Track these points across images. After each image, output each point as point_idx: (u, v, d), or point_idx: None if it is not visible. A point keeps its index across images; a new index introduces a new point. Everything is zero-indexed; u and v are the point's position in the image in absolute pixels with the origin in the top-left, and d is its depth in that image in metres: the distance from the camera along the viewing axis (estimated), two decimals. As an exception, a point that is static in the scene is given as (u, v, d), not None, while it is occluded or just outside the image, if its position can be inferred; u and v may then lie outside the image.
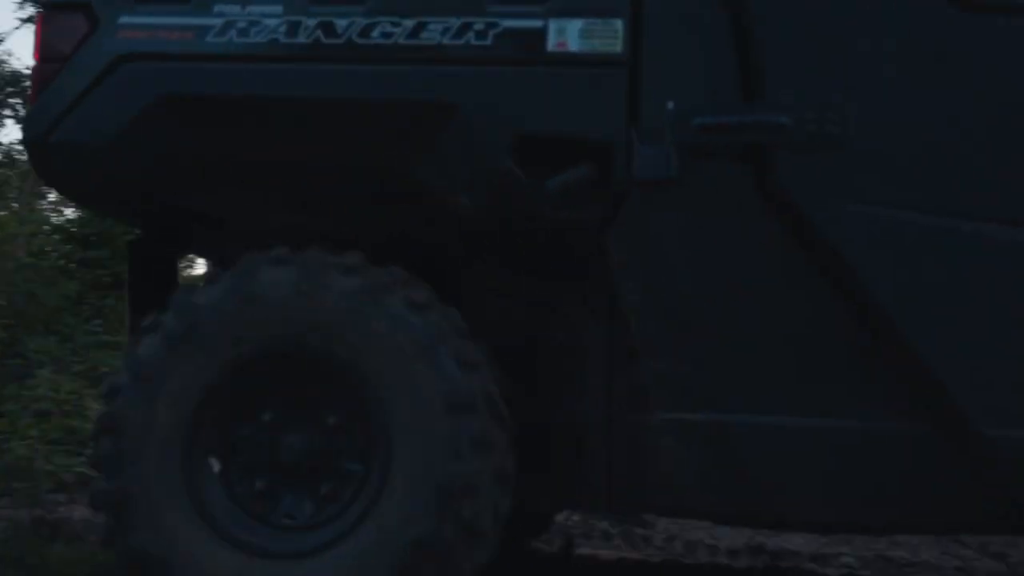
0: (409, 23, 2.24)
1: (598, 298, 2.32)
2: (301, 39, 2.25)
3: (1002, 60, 2.17)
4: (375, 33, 2.25)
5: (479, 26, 2.24)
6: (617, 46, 2.22)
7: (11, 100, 13.41)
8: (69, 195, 2.71)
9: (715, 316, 2.18)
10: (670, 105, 2.18)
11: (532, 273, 2.38)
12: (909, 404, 2.10)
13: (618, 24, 2.23)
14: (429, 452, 2.09)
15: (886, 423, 2.10)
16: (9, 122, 14.25)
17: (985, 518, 2.14)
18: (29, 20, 11.66)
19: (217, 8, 2.26)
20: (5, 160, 12.56)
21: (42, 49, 2.29)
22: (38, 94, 2.30)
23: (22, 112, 12.85)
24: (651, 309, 2.18)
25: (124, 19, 2.28)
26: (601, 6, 2.24)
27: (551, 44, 2.23)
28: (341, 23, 2.25)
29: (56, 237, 8.76)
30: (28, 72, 2.50)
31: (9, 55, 20.28)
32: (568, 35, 2.23)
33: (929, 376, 2.08)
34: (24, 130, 2.38)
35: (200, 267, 7.48)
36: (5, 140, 21.12)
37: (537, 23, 2.23)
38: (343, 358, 2.17)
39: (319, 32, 2.26)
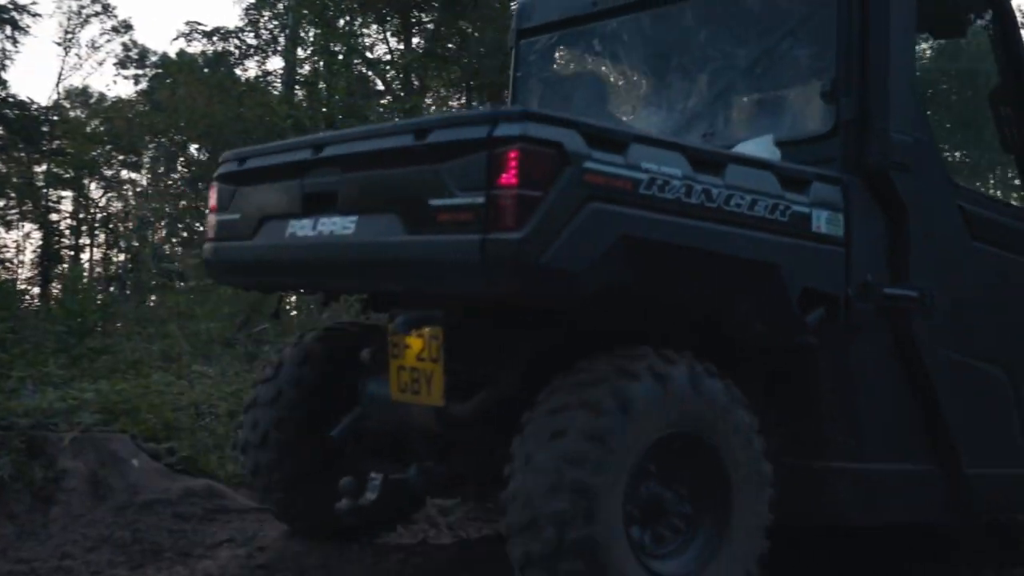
0: (748, 198, 3.00)
1: (757, 385, 3.25)
2: (694, 200, 2.88)
3: (1011, 271, 3.89)
4: (732, 202, 2.97)
5: (782, 207, 3.09)
6: (841, 231, 3.26)
7: None
8: (532, 303, 2.95)
9: (861, 407, 3.40)
10: (869, 277, 3.33)
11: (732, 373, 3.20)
12: (934, 455, 3.60)
13: (841, 217, 3.25)
14: (757, 510, 3.00)
15: (919, 467, 3.58)
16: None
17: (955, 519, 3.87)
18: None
19: (644, 165, 2.80)
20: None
21: (522, 176, 2.59)
22: (523, 218, 2.59)
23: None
24: (833, 404, 3.31)
25: (588, 164, 2.68)
26: (833, 202, 3.25)
27: (814, 225, 3.19)
28: (715, 191, 2.92)
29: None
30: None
31: None
32: (821, 221, 3.21)
33: (952, 444, 3.58)
34: (515, 250, 2.59)
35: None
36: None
37: (806, 210, 3.16)
38: (709, 441, 2.93)
39: (703, 196, 2.90)
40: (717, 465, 2.94)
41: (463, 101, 22.94)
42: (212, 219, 3.66)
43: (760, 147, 3.47)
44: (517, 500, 2.74)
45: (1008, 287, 3.86)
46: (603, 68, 4.44)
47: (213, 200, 3.67)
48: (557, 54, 4.56)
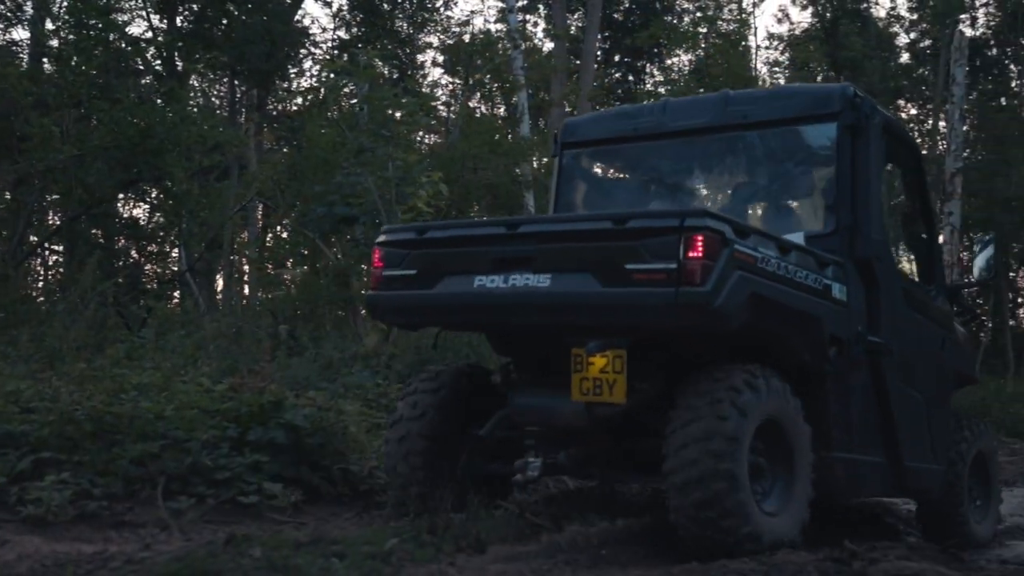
0: (804, 272, 4.56)
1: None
2: (781, 272, 4.41)
3: (924, 329, 5.67)
4: (797, 275, 4.52)
5: (819, 279, 4.68)
6: (845, 297, 4.84)
7: None
8: (702, 331, 4.41)
9: (852, 415, 4.95)
10: (860, 328, 4.91)
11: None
12: (887, 451, 5.20)
13: (845, 288, 4.86)
14: (806, 479, 4.54)
15: (878, 461, 5.15)
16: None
17: (898, 496, 5.91)
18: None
19: (759, 248, 4.31)
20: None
21: (704, 251, 4.04)
22: (705, 278, 4.02)
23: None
24: (837, 411, 4.85)
25: (736, 246, 4.15)
26: (841, 278, 4.83)
27: (833, 293, 4.77)
28: (789, 267, 4.48)
29: None
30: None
31: None
32: (836, 290, 4.80)
33: (899, 445, 5.21)
34: (701, 298, 4.02)
35: None
36: None
37: (829, 282, 4.74)
38: (782, 425, 4.45)
39: (784, 270, 4.43)
40: (788, 447, 4.46)
41: (227, 87, 22.21)
42: (379, 273, 4.87)
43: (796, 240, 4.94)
44: (682, 447, 4.15)
45: (923, 339, 5.62)
46: (638, 175, 6.02)
47: (379, 259, 4.88)
48: (597, 162, 6.19)
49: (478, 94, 26.54)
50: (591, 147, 5.98)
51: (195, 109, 15.91)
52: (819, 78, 28.81)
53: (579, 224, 4.58)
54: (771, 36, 32.83)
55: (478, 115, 24.85)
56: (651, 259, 4.07)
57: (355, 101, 14.33)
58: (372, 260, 4.98)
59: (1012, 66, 35.15)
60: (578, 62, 23.90)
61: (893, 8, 46.23)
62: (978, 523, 6.00)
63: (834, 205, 5.04)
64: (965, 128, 32.70)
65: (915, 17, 32.98)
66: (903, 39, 34.80)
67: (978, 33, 35.20)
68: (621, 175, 6.11)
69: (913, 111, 35.53)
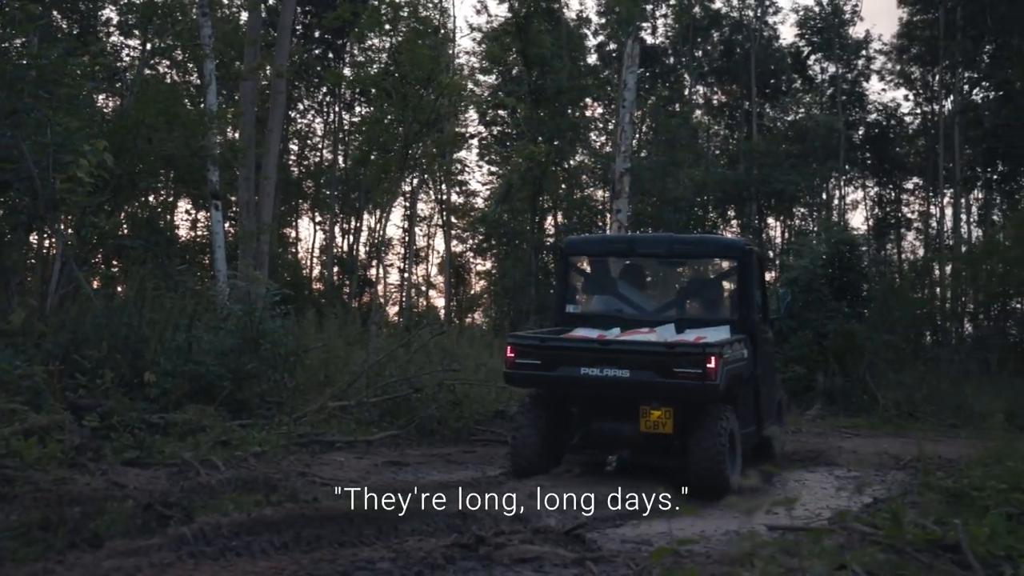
0: (739, 352, 8.60)
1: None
2: (734, 357, 8.45)
3: (768, 355, 10.17)
4: (737, 354, 8.46)
5: (740, 350, 8.66)
6: (748, 355, 8.85)
7: None
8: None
9: (746, 411, 9.03)
10: (752, 368, 9.03)
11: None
12: (756, 423, 9.26)
13: (747, 350, 8.86)
14: (741, 451, 8.39)
15: (753, 428, 9.13)
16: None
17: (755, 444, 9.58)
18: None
19: (729, 350, 8.10)
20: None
21: (716, 363, 7.65)
22: (716, 376, 7.68)
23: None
24: (741, 411, 8.71)
25: (723, 354, 7.89)
26: (745, 345, 8.89)
27: (745, 355, 8.82)
28: (734, 352, 8.34)
29: None
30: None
31: None
32: (745, 352, 8.87)
33: (761, 419, 9.38)
34: (714, 386, 7.67)
35: None
36: None
37: (743, 350, 8.74)
38: (734, 433, 8.21)
39: (734, 354, 8.36)
40: (735, 443, 7.99)
41: None
42: (512, 361, 8.26)
43: (722, 333, 8.60)
44: (699, 448, 7.65)
45: (769, 358, 9.90)
46: (614, 276, 9.68)
47: (511, 352, 8.27)
48: (588, 266, 9.87)
49: (166, 60, 25.26)
50: (584, 256, 9.90)
51: None
52: (514, 71, 29.83)
53: (647, 346, 8.03)
54: (470, 27, 33.52)
55: (168, 81, 23.65)
56: (688, 366, 7.61)
57: (18, 56, 13.16)
58: (506, 351, 8.35)
59: (686, 75, 38.06)
60: (276, 34, 23.27)
61: (582, 11, 48.64)
62: (779, 441, 10.23)
63: (736, 303, 9.15)
64: (645, 129, 35.10)
65: (603, 21, 34.91)
66: (591, 41, 36.76)
67: (658, 42, 37.85)
68: (604, 275, 9.76)
69: (599, 111, 37.67)
